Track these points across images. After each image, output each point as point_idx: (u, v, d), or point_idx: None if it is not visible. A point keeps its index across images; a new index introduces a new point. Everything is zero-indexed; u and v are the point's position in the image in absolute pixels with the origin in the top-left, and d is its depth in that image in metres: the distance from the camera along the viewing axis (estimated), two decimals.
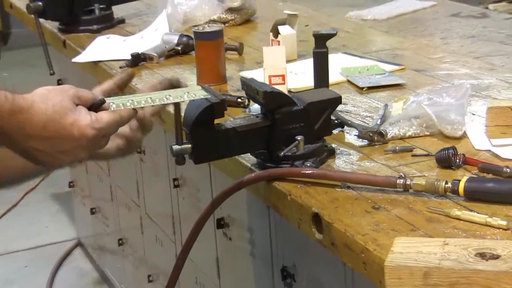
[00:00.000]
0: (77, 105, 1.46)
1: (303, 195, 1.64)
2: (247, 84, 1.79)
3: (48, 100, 1.42)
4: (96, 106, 1.50)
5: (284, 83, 2.16)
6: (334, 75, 2.30)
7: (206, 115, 1.67)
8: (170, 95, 1.61)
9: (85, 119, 1.44)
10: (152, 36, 2.82)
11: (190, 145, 1.68)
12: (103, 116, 1.47)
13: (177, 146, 1.68)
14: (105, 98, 1.53)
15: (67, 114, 1.43)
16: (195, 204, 2.54)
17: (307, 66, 2.36)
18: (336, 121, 1.92)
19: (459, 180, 1.54)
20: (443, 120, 1.85)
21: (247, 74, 2.35)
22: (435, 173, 1.68)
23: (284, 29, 2.58)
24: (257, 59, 2.57)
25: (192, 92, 1.65)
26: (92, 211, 3.71)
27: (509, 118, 1.90)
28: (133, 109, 1.54)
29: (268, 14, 3.16)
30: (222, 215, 2.33)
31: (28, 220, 4.66)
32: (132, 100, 1.55)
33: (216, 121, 1.71)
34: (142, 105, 1.57)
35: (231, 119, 1.80)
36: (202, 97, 1.65)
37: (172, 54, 2.68)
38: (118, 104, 1.53)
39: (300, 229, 1.65)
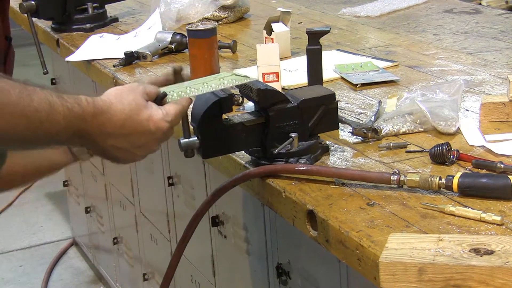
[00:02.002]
0: (147, 101, 1.53)
1: (297, 192, 1.64)
2: None
3: (123, 99, 1.49)
4: (159, 100, 1.57)
5: (277, 81, 2.16)
6: (328, 72, 2.30)
7: (214, 110, 1.68)
8: (223, 79, 1.67)
9: (157, 113, 1.53)
10: (146, 35, 2.81)
11: (197, 140, 1.69)
12: (171, 109, 1.55)
13: (185, 140, 1.69)
14: (164, 89, 1.60)
15: (141, 110, 1.50)
16: (190, 202, 2.54)
17: (300, 63, 2.36)
18: None
19: (453, 176, 1.55)
20: (436, 116, 1.85)
21: (241, 72, 2.35)
22: (429, 169, 1.69)
23: (277, 27, 2.58)
24: (251, 56, 2.58)
25: (240, 75, 1.70)
26: (87, 210, 3.71)
27: (502, 114, 1.90)
28: (189, 98, 1.61)
29: (261, 11, 3.16)
30: (217, 213, 2.33)
31: (22, 219, 4.66)
32: (190, 87, 1.62)
33: None
34: (202, 92, 1.63)
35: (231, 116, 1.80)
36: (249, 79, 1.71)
37: (166, 52, 2.68)
38: (179, 94, 1.60)
39: (294, 226, 1.65)
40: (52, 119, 1.38)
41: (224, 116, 1.74)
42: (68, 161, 1.81)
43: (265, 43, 2.54)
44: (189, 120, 1.70)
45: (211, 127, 1.70)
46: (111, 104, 1.47)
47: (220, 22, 2.99)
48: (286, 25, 2.62)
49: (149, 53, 2.62)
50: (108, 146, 1.49)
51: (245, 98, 1.83)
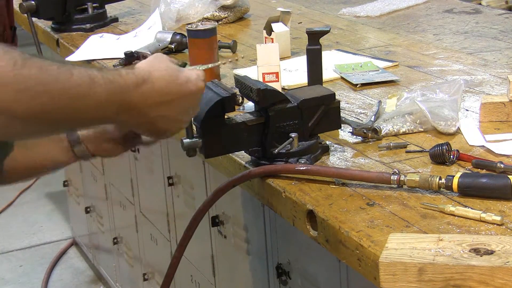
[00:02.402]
0: None
1: (297, 192, 1.64)
2: (240, 82, 1.79)
3: (159, 67, 1.47)
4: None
5: (277, 81, 2.16)
6: (328, 72, 2.30)
7: (217, 110, 1.68)
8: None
9: (192, 74, 1.52)
10: (146, 35, 2.81)
11: (200, 139, 1.69)
12: (198, 71, 1.54)
13: (187, 140, 1.69)
14: None
15: (178, 75, 1.50)
16: (190, 202, 2.54)
17: (300, 63, 2.36)
18: None
19: (453, 176, 1.55)
20: (436, 116, 1.85)
21: (241, 72, 2.35)
22: (429, 169, 1.69)
23: (277, 27, 2.58)
24: (251, 56, 2.58)
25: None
26: (87, 210, 3.71)
27: (502, 114, 1.90)
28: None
29: (261, 11, 3.16)
30: (217, 213, 2.33)
31: (22, 219, 4.66)
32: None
33: None
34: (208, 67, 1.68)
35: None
36: None
37: (166, 52, 2.68)
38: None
39: (294, 226, 1.65)
40: (94, 93, 1.32)
41: (225, 115, 1.74)
42: (69, 160, 1.81)
43: (265, 43, 2.54)
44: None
45: (214, 126, 1.70)
46: (150, 72, 1.44)
47: (220, 22, 2.99)
48: (286, 25, 2.62)
49: (149, 53, 2.62)
50: (154, 117, 1.46)
51: (245, 98, 1.83)
